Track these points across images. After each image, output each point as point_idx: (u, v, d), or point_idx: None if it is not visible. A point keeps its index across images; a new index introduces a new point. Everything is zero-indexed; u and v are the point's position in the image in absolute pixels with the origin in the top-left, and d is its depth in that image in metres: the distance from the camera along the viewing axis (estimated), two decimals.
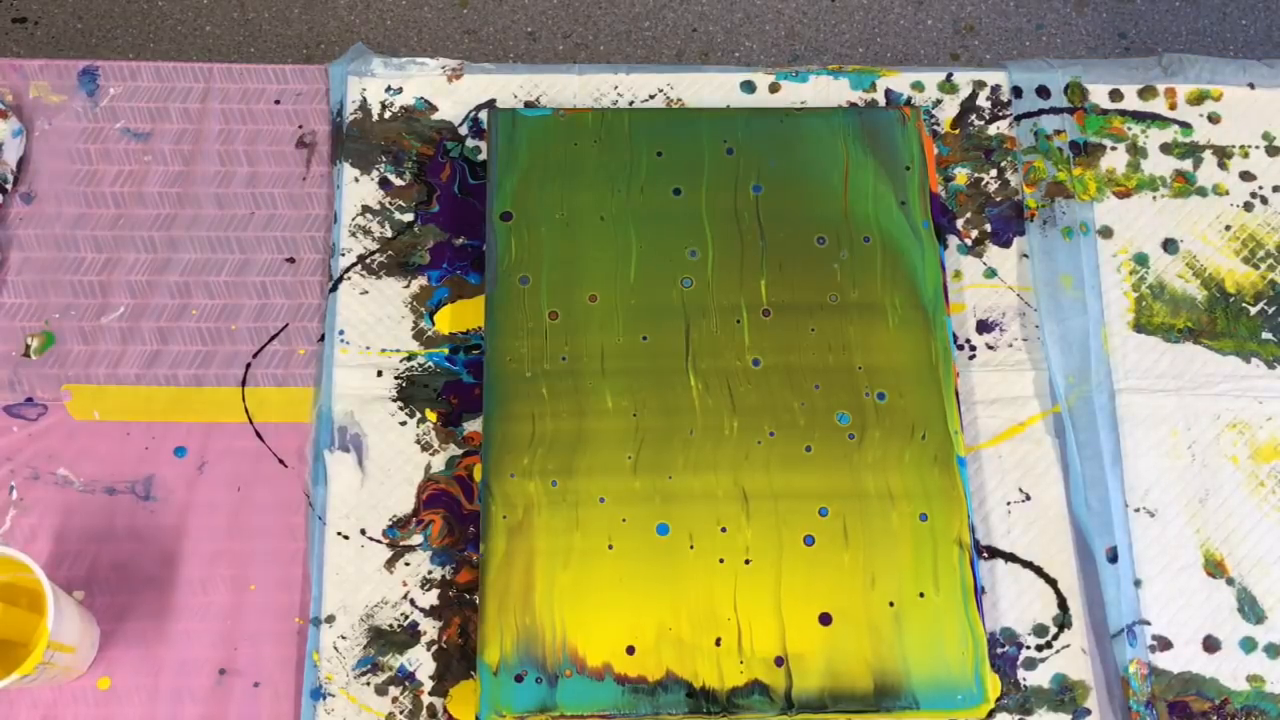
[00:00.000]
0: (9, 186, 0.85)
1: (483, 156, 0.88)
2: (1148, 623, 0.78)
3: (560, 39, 1.77)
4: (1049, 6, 1.81)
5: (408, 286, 0.85)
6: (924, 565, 0.75)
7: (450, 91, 0.90)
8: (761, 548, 0.75)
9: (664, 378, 0.79)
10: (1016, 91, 0.91)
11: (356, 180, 0.87)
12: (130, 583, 0.77)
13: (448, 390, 0.82)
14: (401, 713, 0.75)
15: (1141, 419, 0.82)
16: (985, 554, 0.79)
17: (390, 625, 0.77)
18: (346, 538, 0.78)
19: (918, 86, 0.91)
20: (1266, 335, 0.85)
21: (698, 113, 0.87)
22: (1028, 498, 0.81)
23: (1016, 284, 0.86)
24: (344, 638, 0.76)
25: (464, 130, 0.89)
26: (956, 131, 0.90)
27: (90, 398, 0.81)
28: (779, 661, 0.73)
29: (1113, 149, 0.90)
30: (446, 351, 0.83)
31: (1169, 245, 0.87)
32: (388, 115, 0.89)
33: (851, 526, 0.76)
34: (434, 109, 0.89)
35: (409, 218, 0.86)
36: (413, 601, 0.77)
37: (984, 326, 0.85)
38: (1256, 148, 0.90)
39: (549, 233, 0.83)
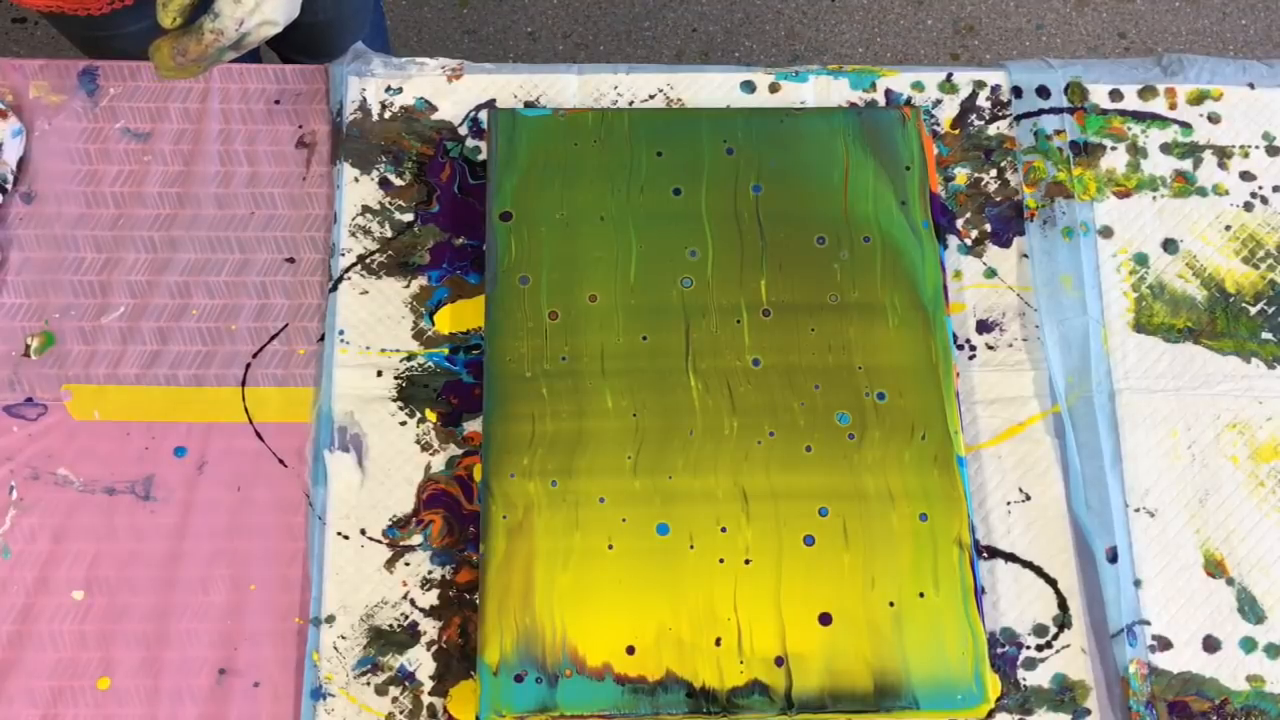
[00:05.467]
0: (9, 186, 0.85)
1: (483, 156, 0.88)
2: (1148, 623, 0.78)
3: (560, 39, 1.77)
4: (1049, 6, 1.81)
5: (408, 286, 0.85)
6: (924, 565, 0.75)
7: (450, 91, 0.90)
8: (761, 548, 0.75)
9: (664, 378, 0.79)
10: (1016, 91, 0.91)
11: (356, 180, 0.87)
12: (130, 583, 0.77)
13: (448, 390, 0.82)
14: (401, 713, 0.75)
15: (1141, 419, 0.82)
16: (985, 554, 0.79)
17: (390, 625, 0.77)
18: (346, 538, 0.78)
19: (918, 86, 0.91)
20: (1266, 335, 0.85)
21: (698, 113, 0.87)
22: (1028, 498, 0.81)
23: (1016, 284, 0.86)
24: (344, 638, 0.76)
25: (464, 130, 0.89)
26: (956, 131, 0.90)
27: (90, 398, 0.81)
28: (779, 661, 0.73)
29: (1113, 149, 0.90)
30: (446, 351, 0.83)
31: (1169, 245, 0.87)
32: (388, 115, 0.89)
33: (851, 527, 0.76)
34: (434, 109, 0.89)
35: (409, 218, 0.86)
36: (413, 601, 0.77)
37: (984, 326, 0.85)
38: (1256, 148, 0.90)
39: (549, 233, 0.83)
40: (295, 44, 1.17)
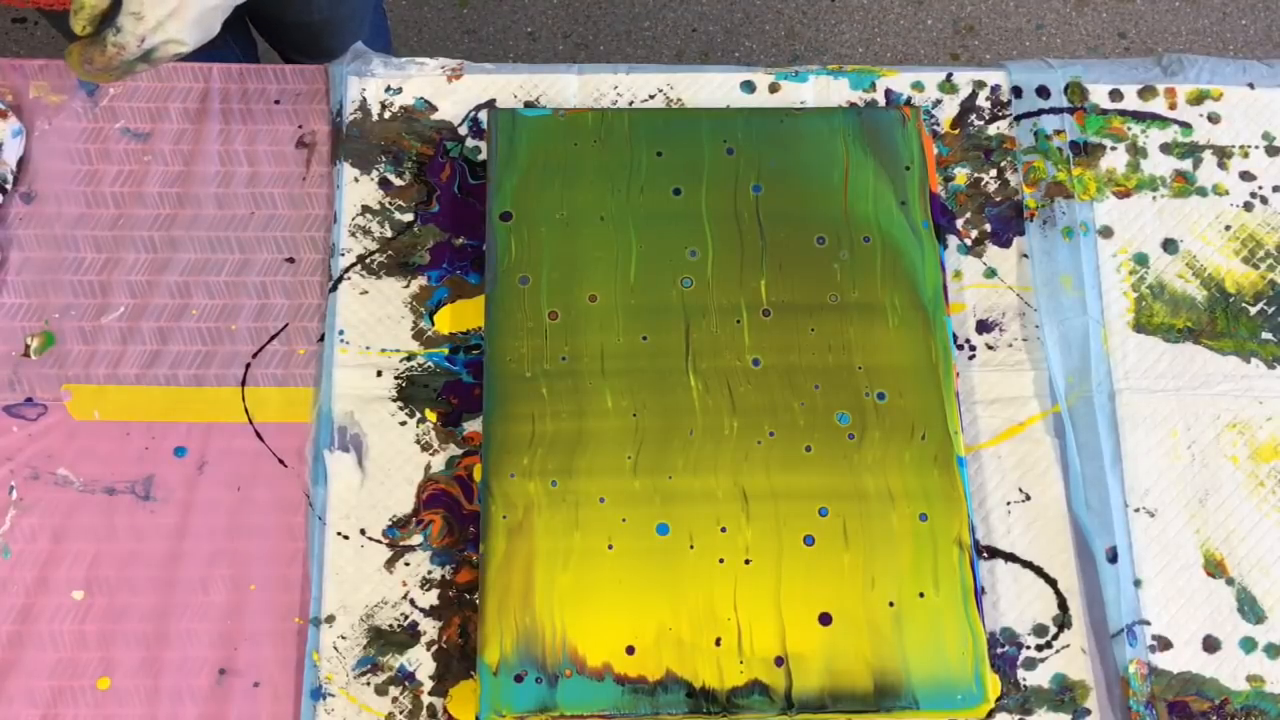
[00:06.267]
0: (9, 186, 0.85)
1: (483, 156, 0.88)
2: (1148, 623, 0.78)
3: (560, 39, 1.77)
4: (1049, 6, 1.81)
5: (407, 286, 0.85)
6: (924, 565, 0.75)
7: (450, 91, 0.90)
8: (761, 548, 0.75)
9: (664, 378, 0.79)
10: (1016, 91, 0.91)
11: (356, 180, 0.87)
12: (130, 583, 0.77)
13: (447, 390, 0.82)
14: (401, 713, 0.75)
15: (1141, 419, 0.82)
16: (985, 554, 0.79)
17: (390, 625, 0.77)
18: (346, 538, 0.78)
19: (918, 86, 0.91)
20: (1266, 335, 0.85)
21: (698, 113, 0.87)
22: (1028, 498, 0.81)
23: (1016, 284, 0.86)
24: (344, 638, 0.76)
25: (464, 130, 0.89)
26: (956, 131, 0.90)
27: (90, 398, 0.81)
28: (779, 661, 0.73)
29: (1112, 149, 0.90)
30: (446, 351, 0.83)
31: (1169, 245, 0.87)
32: (387, 115, 0.89)
33: (851, 527, 0.76)
34: (434, 109, 0.89)
35: (409, 218, 0.86)
36: (413, 601, 0.77)
37: (984, 326, 0.85)
38: (1256, 148, 0.90)
39: (549, 233, 0.83)
40: (296, 44, 1.17)
